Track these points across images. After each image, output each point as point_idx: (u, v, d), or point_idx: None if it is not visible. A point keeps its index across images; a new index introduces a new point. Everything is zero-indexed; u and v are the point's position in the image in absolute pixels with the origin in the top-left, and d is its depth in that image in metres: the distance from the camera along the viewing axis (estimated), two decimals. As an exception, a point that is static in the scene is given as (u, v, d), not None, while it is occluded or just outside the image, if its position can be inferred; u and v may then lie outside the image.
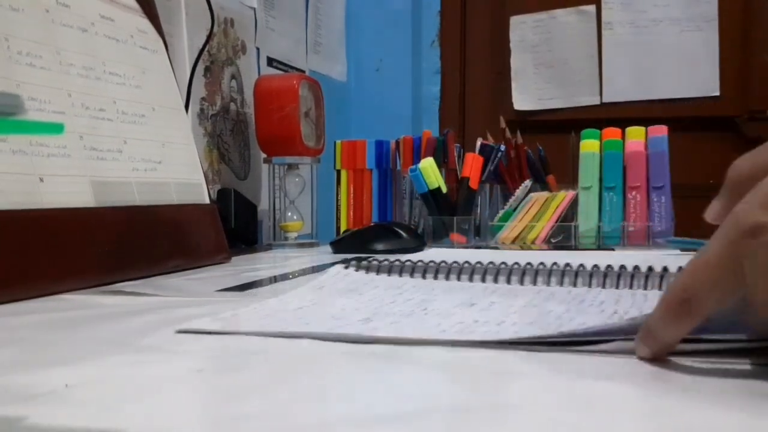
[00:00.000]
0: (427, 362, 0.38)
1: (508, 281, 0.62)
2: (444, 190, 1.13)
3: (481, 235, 1.19)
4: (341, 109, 1.80)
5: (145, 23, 0.85)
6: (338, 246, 1.03)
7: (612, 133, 1.16)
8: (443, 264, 0.65)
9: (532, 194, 1.16)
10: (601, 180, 1.14)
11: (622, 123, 1.18)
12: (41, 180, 0.62)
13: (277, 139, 1.14)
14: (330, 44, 1.75)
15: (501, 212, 1.17)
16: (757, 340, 0.36)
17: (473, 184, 1.16)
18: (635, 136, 1.15)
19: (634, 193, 1.13)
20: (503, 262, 0.64)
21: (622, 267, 0.60)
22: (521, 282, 0.61)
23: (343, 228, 1.24)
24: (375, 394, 0.33)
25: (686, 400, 0.31)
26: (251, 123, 1.27)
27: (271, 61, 1.43)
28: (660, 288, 0.57)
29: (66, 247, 0.62)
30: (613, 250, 1.06)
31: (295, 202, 1.18)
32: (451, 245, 1.11)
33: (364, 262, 0.67)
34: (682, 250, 0.96)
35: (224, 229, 0.89)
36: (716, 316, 0.34)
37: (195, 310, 0.52)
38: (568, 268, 0.61)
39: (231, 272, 0.78)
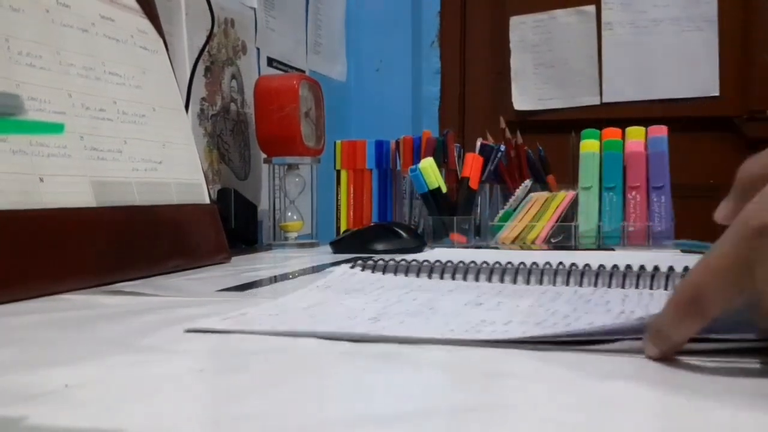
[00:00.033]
0: (427, 362, 0.38)
1: (514, 281, 0.62)
2: (444, 190, 1.13)
3: (481, 235, 1.19)
4: (341, 109, 1.80)
5: (146, 23, 0.85)
6: (338, 246, 1.03)
7: (612, 133, 1.16)
8: (449, 264, 0.65)
9: (532, 194, 1.16)
10: (601, 180, 1.14)
11: (622, 123, 1.18)
12: (41, 180, 0.62)
13: (277, 139, 1.14)
14: (330, 44, 1.75)
15: (501, 212, 1.17)
16: (765, 340, 0.36)
17: (473, 184, 1.16)
18: (635, 136, 1.15)
19: (634, 193, 1.13)
20: (509, 262, 0.64)
21: (628, 267, 0.60)
22: (527, 282, 0.62)
23: (343, 228, 1.24)
24: (375, 394, 0.33)
25: (694, 400, 0.31)
26: (251, 123, 1.27)
27: (271, 62, 1.43)
28: (666, 288, 0.57)
29: (66, 247, 0.62)
30: (613, 250, 1.06)
31: (295, 202, 1.18)
32: (451, 245, 1.11)
33: (370, 262, 0.67)
34: (684, 251, 0.96)
35: (224, 229, 0.89)
36: (724, 315, 0.34)
37: (195, 310, 0.52)
38: (574, 267, 0.61)
39: (231, 272, 0.78)
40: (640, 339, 0.37)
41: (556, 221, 1.12)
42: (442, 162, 1.17)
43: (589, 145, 1.15)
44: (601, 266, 0.61)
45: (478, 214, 1.20)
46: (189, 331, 0.44)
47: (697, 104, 1.82)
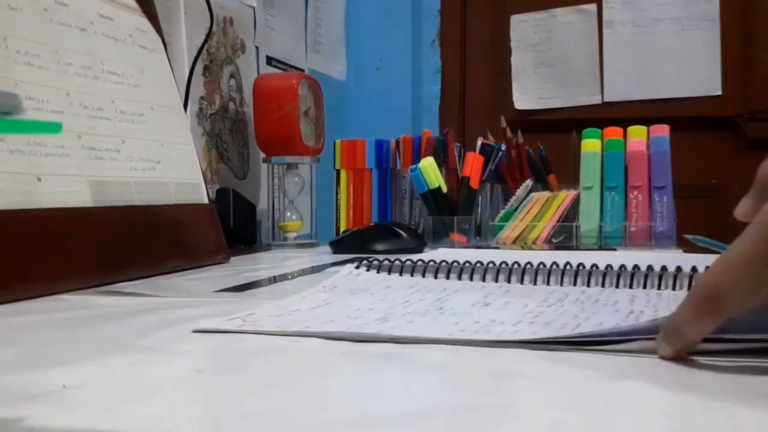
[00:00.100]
0: (427, 362, 0.38)
1: (521, 281, 0.62)
2: (444, 189, 1.13)
3: (481, 235, 1.19)
4: (341, 108, 1.79)
5: (144, 22, 0.84)
6: (338, 246, 1.03)
7: (613, 132, 1.15)
8: (455, 264, 0.65)
9: (533, 194, 1.16)
10: (602, 180, 1.14)
11: (624, 122, 1.18)
12: (39, 179, 0.62)
13: (277, 139, 1.14)
14: (330, 43, 1.75)
15: (502, 212, 1.17)
16: None
17: (474, 183, 1.15)
18: (637, 135, 1.15)
19: (635, 192, 1.13)
20: (516, 262, 0.64)
21: (636, 267, 0.60)
22: (534, 282, 0.62)
23: (342, 228, 1.23)
24: (375, 394, 0.32)
25: (707, 400, 0.31)
26: (250, 122, 1.26)
27: (270, 60, 1.43)
28: (674, 288, 0.57)
29: (64, 246, 0.62)
30: (614, 250, 1.06)
31: (294, 202, 1.17)
32: (452, 245, 1.11)
33: (375, 262, 0.67)
34: (698, 245, 0.95)
35: (223, 229, 0.89)
36: (738, 315, 0.34)
37: (195, 310, 0.52)
38: (581, 268, 0.61)
39: (230, 272, 0.78)
40: (652, 339, 0.37)
41: (558, 221, 1.12)
42: (442, 161, 1.17)
43: (591, 145, 1.15)
44: (609, 266, 0.61)
45: (479, 214, 1.20)
46: (196, 331, 0.44)
47: (698, 104, 1.82)
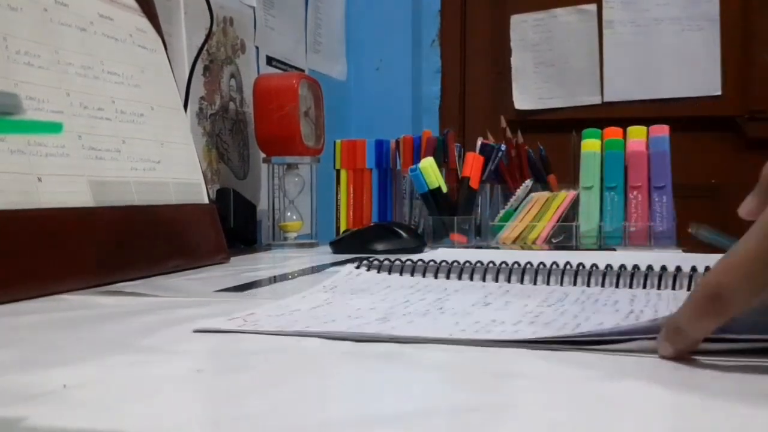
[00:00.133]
0: (428, 362, 0.38)
1: (521, 281, 0.62)
2: (444, 189, 1.13)
3: (481, 235, 1.19)
4: (341, 108, 1.79)
5: (144, 22, 0.84)
6: (338, 246, 1.03)
7: (613, 132, 1.15)
8: (455, 264, 0.65)
9: (533, 194, 1.16)
10: (602, 180, 1.14)
11: (623, 122, 1.18)
12: (39, 180, 0.62)
13: (277, 139, 1.14)
14: (330, 43, 1.75)
15: (502, 212, 1.17)
16: None
17: (474, 183, 1.15)
18: (636, 135, 1.15)
19: (635, 192, 1.12)
20: (516, 262, 0.64)
21: (636, 267, 0.60)
22: (534, 282, 0.62)
23: (342, 228, 1.23)
24: (375, 394, 0.32)
25: (708, 400, 0.31)
26: (250, 122, 1.26)
27: (270, 60, 1.43)
28: (674, 288, 0.57)
29: (64, 247, 0.62)
30: (614, 250, 1.06)
31: (294, 202, 1.17)
32: (452, 245, 1.11)
33: (375, 262, 0.67)
34: (702, 241, 0.95)
35: (223, 229, 0.89)
36: (740, 315, 0.34)
37: (195, 310, 0.52)
38: (581, 267, 0.61)
39: (230, 272, 0.78)
40: (653, 339, 0.37)
41: (557, 221, 1.12)
42: (442, 161, 1.17)
43: (590, 145, 1.15)
44: (608, 266, 0.61)
45: (479, 214, 1.20)
46: (196, 331, 0.44)
47: (698, 104, 1.82)
